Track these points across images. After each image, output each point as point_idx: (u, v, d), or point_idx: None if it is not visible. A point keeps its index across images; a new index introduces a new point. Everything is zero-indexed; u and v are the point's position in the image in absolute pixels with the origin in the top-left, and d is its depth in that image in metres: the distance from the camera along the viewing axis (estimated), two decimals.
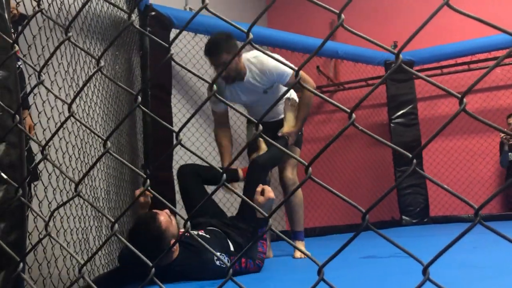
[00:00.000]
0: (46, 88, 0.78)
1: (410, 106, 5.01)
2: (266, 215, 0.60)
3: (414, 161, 0.49)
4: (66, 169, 2.05)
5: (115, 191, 2.83)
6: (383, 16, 5.60)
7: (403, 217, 4.85)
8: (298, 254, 2.75)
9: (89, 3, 2.61)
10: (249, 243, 2.19)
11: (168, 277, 2.00)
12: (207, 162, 0.71)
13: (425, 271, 0.50)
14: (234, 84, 2.70)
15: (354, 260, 2.46)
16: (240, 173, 2.70)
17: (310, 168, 0.56)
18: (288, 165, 2.85)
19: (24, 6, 1.94)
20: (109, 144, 0.67)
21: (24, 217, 0.99)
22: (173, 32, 3.85)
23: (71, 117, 0.72)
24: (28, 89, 1.81)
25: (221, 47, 2.48)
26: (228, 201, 4.19)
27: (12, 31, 1.99)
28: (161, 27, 3.65)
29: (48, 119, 1.83)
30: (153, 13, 3.55)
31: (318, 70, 5.58)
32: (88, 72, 2.46)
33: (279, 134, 2.71)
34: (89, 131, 2.39)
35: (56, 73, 2.00)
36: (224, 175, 0.62)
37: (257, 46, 0.59)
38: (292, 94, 2.90)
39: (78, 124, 2.31)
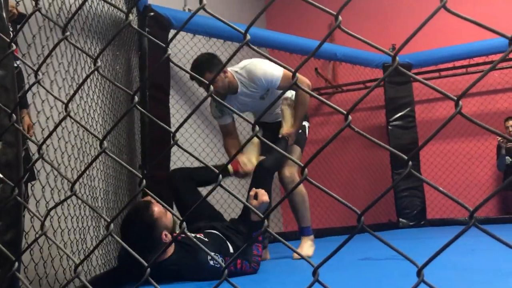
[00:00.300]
0: (43, 87, 0.78)
1: (408, 109, 5.02)
2: (262, 216, 0.60)
3: (410, 163, 0.49)
4: (65, 168, 2.05)
5: (114, 191, 2.83)
6: (382, 19, 5.62)
7: (400, 219, 4.86)
8: (296, 255, 2.77)
9: (89, 3, 2.61)
10: (249, 245, 2.19)
11: (162, 275, 2.00)
12: (203, 163, 0.71)
13: (419, 273, 0.50)
14: (229, 98, 2.73)
15: (351, 262, 2.46)
16: (230, 168, 2.69)
17: (306, 169, 0.57)
18: (286, 164, 2.85)
19: (24, 5, 1.94)
20: (105, 144, 0.67)
21: (20, 217, 0.99)
22: (172, 33, 3.86)
23: (70, 117, 0.72)
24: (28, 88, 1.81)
25: (203, 67, 2.52)
26: (225, 202, 4.20)
27: (11, 30, 1.99)
28: (160, 27, 3.65)
29: (47, 118, 1.83)
30: (152, 13, 3.55)
31: (316, 72, 5.59)
32: (88, 71, 2.46)
33: (279, 135, 2.72)
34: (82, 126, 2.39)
35: (56, 72, 2.00)
36: (220, 176, 0.62)
37: (254, 47, 0.59)
38: (291, 94, 2.92)
39: (75, 122, 2.31)
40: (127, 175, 3.16)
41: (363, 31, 5.40)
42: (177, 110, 4.03)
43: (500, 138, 4.58)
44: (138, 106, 0.65)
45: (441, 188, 0.52)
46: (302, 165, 0.57)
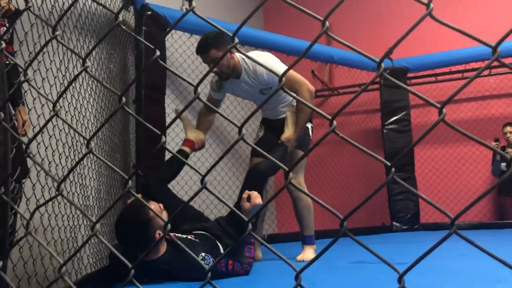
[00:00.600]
0: (31, 86, 0.78)
1: (404, 113, 5.03)
2: (246, 219, 0.60)
3: (393, 169, 0.49)
4: (56, 167, 2.04)
5: (107, 190, 2.82)
6: (379, 23, 5.63)
7: (394, 223, 4.87)
8: (299, 257, 2.79)
9: (83, 1, 2.60)
10: (236, 247, 2.19)
11: (154, 274, 2.00)
12: (189, 166, 0.71)
13: (400, 279, 0.50)
14: (232, 81, 2.72)
15: (343, 265, 2.46)
16: (186, 149, 2.68)
17: (291, 174, 0.57)
18: (292, 171, 2.82)
19: (17, 2, 1.93)
20: (92, 144, 0.67)
21: (7, 215, 0.98)
22: (169, 32, 3.85)
23: (58, 116, 0.72)
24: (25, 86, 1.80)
25: (210, 44, 2.52)
26: (211, 202, 4.19)
27: (8, 26, 1.98)
28: (157, 26, 3.65)
29: (38, 116, 1.82)
30: (149, 12, 3.54)
31: (313, 74, 5.59)
32: (80, 69, 2.45)
33: (279, 141, 2.68)
34: (80, 129, 2.38)
35: (47, 70, 1.99)
36: (206, 179, 0.62)
37: (242, 50, 0.59)
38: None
39: (70, 122, 2.30)
40: (120, 175, 3.15)
41: (360, 35, 5.43)
42: (172, 110, 4.02)
43: (495, 143, 4.59)
44: (126, 107, 0.65)
45: (423, 195, 0.52)
46: (287, 169, 0.57)
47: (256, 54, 2.69)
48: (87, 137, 2.47)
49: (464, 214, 0.55)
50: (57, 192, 0.70)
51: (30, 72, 0.78)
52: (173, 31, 3.94)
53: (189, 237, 2.17)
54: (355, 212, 0.60)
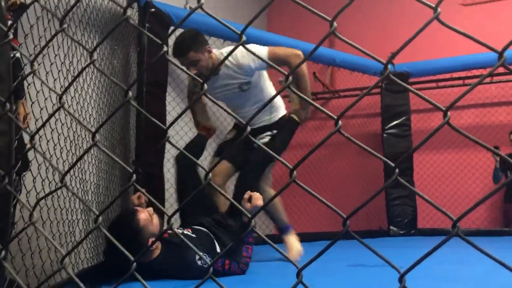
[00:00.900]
0: (38, 78, 0.78)
1: (404, 118, 5.03)
2: (249, 216, 0.61)
3: (397, 170, 0.50)
4: (57, 160, 2.05)
5: (105, 185, 2.82)
6: (382, 27, 5.64)
7: (391, 227, 4.87)
8: (290, 254, 2.75)
9: None
10: (235, 246, 2.19)
11: (148, 275, 2.00)
12: (197, 164, 0.72)
13: (401, 279, 0.51)
14: (211, 85, 2.64)
15: (339, 267, 2.47)
16: (203, 133, 2.74)
17: (295, 172, 0.57)
18: (263, 179, 2.79)
19: None
20: (97, 137, 0.68)
21: (10, 206, 0.99)
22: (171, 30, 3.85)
23: (63, 109, 0.72)
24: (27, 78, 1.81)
25: (188, 46, 2.44)
26: None
27: (12, 19, 1.99)
28: (160, 24, 3.65)
29: (41, 109, 1.83)
30: (152, 9, 3.54)
31: (314, 76, 5.60)
32: (84, 64, 2.45)
33: (289, 116, 2.69)
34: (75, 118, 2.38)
35: (52, 64, 2.00)
36: (209, 175, 0.63)
37: (250, 49, 0.60)
38: (279, 103, 2.87)
39: (68, 114, 2.30)
40: (119, 170, 3.16)
41: (363, 38, 5.43)
42: (173, 107, 4.02)
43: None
44: (132, 102, 0.66)
45: (426, 197, 0.52)
46: (291, 167, 0.58)
47: (237, 51, 2.54)
48: (89, 132, 2.47)
49: (464, 220, 0.55)
50: (60, 184, 0.70)
51: (35, 65, 0.79)
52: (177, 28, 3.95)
53: (186, 232, 2.18)
54: (354, 214, 0.61)
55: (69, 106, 2.28)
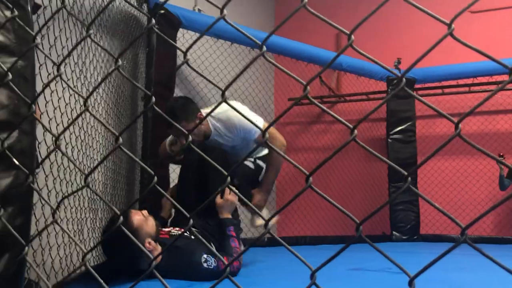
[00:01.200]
0: (64, 81, 0.81)
1: (409, 123, 5.05)
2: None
3: (409, 179, 0.52)
4: (68, 158, 2.08)
5: (112, 185, 2.86)
6: (388, 32, 5.66)
7: (394, 232, 4.88)
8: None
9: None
10: (220, 244, 2.26)
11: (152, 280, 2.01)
12: (213, 163, 0.74)
13: (410, 283, 0.53)
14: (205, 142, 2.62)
15: (342, 271, 2.48)
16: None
17: (311, 178, 0.60)
18: None
19: None
20: (121, 140, 0.70)
21: (31, 203, 1.02)
22: (180, 32, 3.89)
23: (89, 111, 0.75)
24: (38, 78, 1.84)
25: (179, 117, 2.37)
26: None
27: None
28: (169, 26, 3.69)
29: (55, 109, 1.86)
30: (162, 11, 3.58)
31: (320, 80, 5.62)
32: (96, 65, 2.49)
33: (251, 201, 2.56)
34: (92, 124, 2.42)
35: (65, 64, 2.03)
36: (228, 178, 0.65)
37: (271, 59, 0.62)
38: (264, 152, 2.76)
39: (82, 115, 2.33)
40: (125, 169, 3.19)
41: (369, 44, 5.45)
42: None
43: (498, 158, 4.60)
44: (156, 107, 0.68)
45: (437, 205, 0.55)
46: (307, 173, 0.60)
47: (223, 109, 2.46)
48: (101, 131, 2.49)
49: (469, 228, 0.58)
50: (83, 184, 0.73)
51: (61, 68, 0.82)
52: (185, 31, 3.98)
53: (185, 234, 2.20)
54: (367, 220, 0.63)
55: (81, 106, 2.31)
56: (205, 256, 2.02)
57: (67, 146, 2.05)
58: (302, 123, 5.82)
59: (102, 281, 0.66)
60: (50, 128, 1.77)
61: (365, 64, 5.04)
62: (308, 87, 0.58)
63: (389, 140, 5.03)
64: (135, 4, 3.39)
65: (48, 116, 1.83)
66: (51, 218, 0.95)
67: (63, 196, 2.04)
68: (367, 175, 5.47)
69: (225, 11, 0.62)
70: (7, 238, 0.86)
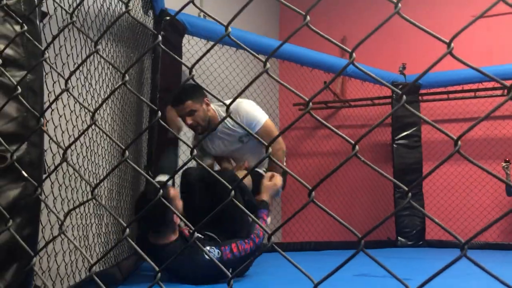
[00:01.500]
0: (71, 95, 0.83)
1: (414, 129, 5.04)
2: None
3: (409, 194, 0.53)
4: (73, 166, 2.10)
5: (118, 191, 2.87)
6: (393, 37, 5.67)
7: (399, 238, 4.87)
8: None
9: (108, 5, 2.67)
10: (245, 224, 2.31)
11: (161, 262, 2.03)
12: (216, 175, 0.75)
13: None
14: (210, 136, 2.76)
15: (346, 278, 2.48)
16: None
17: (313, 193, 0.61)
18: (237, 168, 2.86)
19: (47, 4, 1.99)
20: (127, 153, 0.72)
21: (39, 214, 1.03)
22: (185, 38, 3.92)
23: (96, 125, 0.77)
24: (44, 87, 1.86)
25: (186, 95, 2.53)
26: None
27: None
28: (175, 32, 3.71)
29: (60, 116, 1.88)
30: (167, 18, 3.61)
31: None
32: (101, 72, 2.51)
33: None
34: (98, 130, 2.44)
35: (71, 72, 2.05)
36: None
37: (273, 76, 0.64)
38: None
39: (87, 122, 2.36)
40: (131, 175, 3.21)
41: (374, 49, 5.45)
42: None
43: (504, 163, 4.58)
44: (161, 121, 0.70)
45: (437, 220, 0.56)
46: (310, 188, 0.61)
47: (238, 101, 2.61)
48: (107, 138, 2.50)
49: (474, 232, 0.58)
50: (90, 196, 0.74)
51: (69, 83, 0.83)
52: (190, 37, 4.01)
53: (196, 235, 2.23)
54: (368, 234, 0.64)
55: (86, 113, 2.34)
56: (207, 248, 2.05)
57: (72, 153, 2.06)
58: (307, 129, 5.82)
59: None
60: (56, 136, 1.78)
61: (370, 70, 5.03)
62: (311, 103, 0.59)
63: (394, 145, 5.02)
64: (141, 10, 3.41)
65: (54, 124, 1.85)
66: (58, 226, 0.97)
67: (69, 204, 2.06)
68: (373, 180, 5.46)
69: (229, 29, 0.64)
70: (15, 249, 0.88)
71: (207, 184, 2.49)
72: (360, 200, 5.49)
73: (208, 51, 0.71)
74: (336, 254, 4.05)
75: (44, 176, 1.97)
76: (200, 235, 2.26)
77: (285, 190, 5.42)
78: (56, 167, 0.80)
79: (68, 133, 2.05)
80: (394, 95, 5.06)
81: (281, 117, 5.75)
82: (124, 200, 2.98)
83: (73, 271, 2.04)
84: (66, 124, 2.00)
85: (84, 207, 2.28)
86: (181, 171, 2.65)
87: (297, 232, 5.42)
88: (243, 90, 0.68)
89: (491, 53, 5.09)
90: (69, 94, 0.89)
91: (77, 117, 2.13)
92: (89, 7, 2.41)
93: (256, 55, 0.67)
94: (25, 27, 0.92)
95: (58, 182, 1.91)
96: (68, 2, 2.12)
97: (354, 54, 0.58)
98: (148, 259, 0.72)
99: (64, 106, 1.98)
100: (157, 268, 0.68)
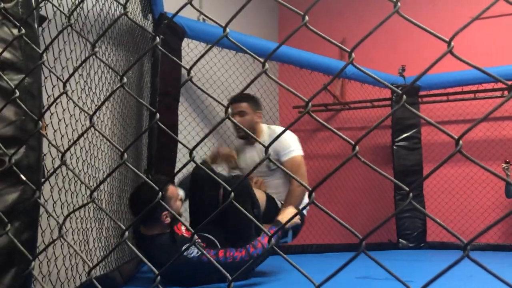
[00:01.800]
0: (69, 98, 0.83)
1: (414, 130, 5.04)
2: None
3: (411, 195, 0.53)
4: (73, 170, 2.09)
5: (118, 194, 2.87)
6: (392, 39, 5.67)
7: (400, 240, 4.86)
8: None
9: (108, 9, 2.67)
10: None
11: (149, 254, 2.07)
12: (218, 179, 0.75)
13: None
14: (246, 149, 2.88)
15: (348, 280, 2.47)
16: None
17: (314, 194, 0.60)
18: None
19: (45, 8, 2.00)
20: (125, 156, 0.71)
21: (37, 218, 1.03)
22: (185, 41, 3.92)
23: (94, 128, 0.76)
24: (43, 90, 1.85)
25: (246, 98, 2.82)
26: None
27: None
28: (174, 35, 3.71)
29: (59, 120, 1.88)
30: (166, 21, 3.61)
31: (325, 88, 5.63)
32: (101, 76, 2.51)
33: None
34: (97, 134, 2.44)
35: (71, 76, 2.05)
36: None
37: (272, 76, 0.63)
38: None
39: (87, 126, 2.35)
40: (131, 179, 3.20)
41: (373, 50, 5.46)
42: (185, 117, 4.08)
43: (504, 164, 4.58)
44: (160, 123, 0.69)
45: (438, 220, 0.55)
46: (310, 189, 0.61)
47: (285, 135, 2.77)
48: (107, 141, 2.50)
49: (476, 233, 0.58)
50: (89, 199, 0.74)
51: (67, 86, 0.83)
52: (190, 40, 4.01)
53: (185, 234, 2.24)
54: (369, 236, 0.64)
55: (86, 117, 2.33)
56: (185, 246, 2.08)
57: (72, 157, 2.06)
58: (307, 131, 5.82)
59: None
60: (55, 139, 1.78)
61: (369, 72, 5.03)
62: (310, 104, 0.59)
63: (394, 147, 5.02)
64: (140, 14, 3.42)
65: (53, 128, 1.84)
66: (57, 230, 0.96)
67: (69, 208, 2.05)
68: (373, 182, 5.46)
69: (227, 30, 0.63)
70: (14, 253, 0.87)
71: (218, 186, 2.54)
72: (360, 203, 5.48)
73: (206, 52, 0.71)
74: (338, 256, 4.03)
75: (42, 179, 1.97)
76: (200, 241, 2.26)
77: None
78: (54, 170, 0.80)
79: (68, 137, 2.04)
80: (393, 96, 5.05)
81: (281, 120, 5.75)
82: (124, 204, 2.97)
83: (73, 276, 2.03)
84: (66, 128, 1.99)
85: (85, 211, 2.28)
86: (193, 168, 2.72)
87: (299, 235, 5.40)
88: (243, 90, 0.67)
89: (491, 54, 5.08)
90: (68, 98, 0.88)
91: (77, 120, 2.13)
92: (88, 11, 2.41)
93: (255, 56, 0.67)
94: (23, 31, 0.92)
95: (58, 186, 1.91)
96: (67, 6, 2.13)
97: (353, 54, 0.58)
98: (148, 263, 0.71)
99: (64, 110, 1.98)
100: (156, 271, 0.68)
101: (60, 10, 0.89)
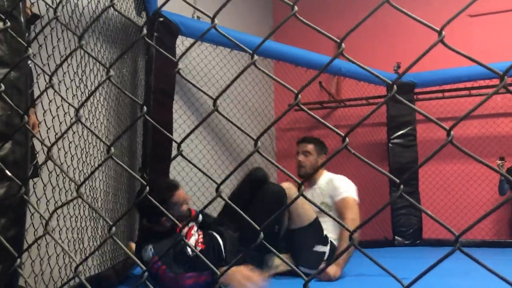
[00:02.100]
0: (55, 91, 0.81)
1: (410, 128, 5.04)
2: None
3: (401, 187, 0.52)
4: (67, 168, 2.08)
5: (114, 193, 2.85)
6: (388, 36, 5.67)
7: (396, 237, 4.86)
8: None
9: (100, 7, 2.65)
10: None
11: (147, 240, 2.13)
12: (204, 173, 0.74)
13: None
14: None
15: (344, 277, 2.47)
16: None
17: (303, 187, 0.59)
18: None
19: (38, 5, 1.98)
20: (112, 150, 0.70)
21: (24, 214, 1.01)
22: (179, 39, 3.90)
23: (81, 122, 0.75)
24: (36, 88, 1.84)
25: (313, 141, 2.99)
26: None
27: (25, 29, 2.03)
28: (168, 33, 3.69)
29: (53, 118, 1.86)
30: (161, 19, 3.59)
31: (320, 85, 5.63)
32: (97, 73, 2.49)
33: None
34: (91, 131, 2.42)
35: (64, 73, 2.03)
36: (220, 187, 0.65)
37: (260, 67, 0.62)
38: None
39: (81, 124, 2.33)
40: (127, 178, 3.19)
41: (369, 48, 5.46)
42: (179, 115, 4.06)
43: (499, 161, 4.59)
44: (147, 116, 0.68)
45: (429, 212, 0.54)
46: (300, 181, 0.60)
47: (340, 178, 2.98)
48: (105, 144, 2.50)
49: (469, 232, 0.57)
50: (75, 194, 0.73)
51: (53, 79, 0.82)
52: (184, 38, 3.99)
53: (199, 246, 2.26)
54: (360, 228, 0.63)
55: (81, 116, 2.31)
56: (151, 246, 2.13)
57: (66, 155, 2.04)
58: (302, 129, 5.81)
59: None
60: (49, 137, 1.76)
61: (362, 65, 5.03)
62: (300, 96, 0.58)
63: (390, 144, 5.02)
64: (134, 12, 3.40)
65: (46, 125, 1.83)
66: (53, 228, 0.95)
67: (56, 206, 2.04)
68: (368, 179, 5.45)
69: (216, 21, 0.62)
70: (0, 250, 0.86)
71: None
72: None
73: (194, 42, 0.70)
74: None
75: (34, 175, 1.96)
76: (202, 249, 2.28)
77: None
78: (40, 165, 0.79)
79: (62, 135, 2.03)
80: (388, 93, 5.05)
81: (277, 118, 5.73)
82: (120, 203, 2.96)
83: (67, 275, 2.01)
84: (60, 126, 1.98)
85: (79, 210, 2.26)
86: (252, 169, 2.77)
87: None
88: (231, 82, 0.66)
89: (487, 51, 5.09)
90: (58, 93, 0.87)
91: (72, 119, 2.11)
92: (83, 8, 2.39)
93: (244, 47, 0.66)
94: (8, 23, 0.90)
95: (51, 184, 1.89)
96: (62, 3, 2.11)
97: (343, 45, 0.57)
98: (135, 258, 0.70)
99: (58, 107, 1.97)
100: (143, 267, 0.67)
101: (46, 3, 0.88)
